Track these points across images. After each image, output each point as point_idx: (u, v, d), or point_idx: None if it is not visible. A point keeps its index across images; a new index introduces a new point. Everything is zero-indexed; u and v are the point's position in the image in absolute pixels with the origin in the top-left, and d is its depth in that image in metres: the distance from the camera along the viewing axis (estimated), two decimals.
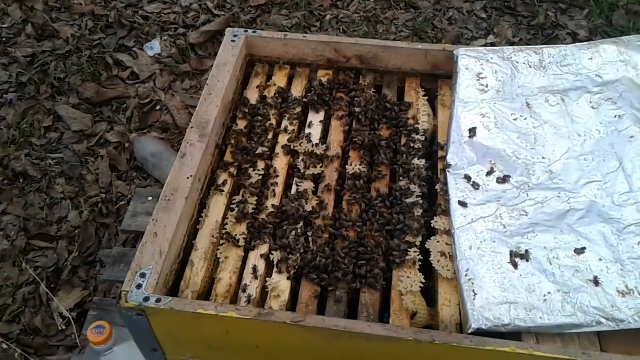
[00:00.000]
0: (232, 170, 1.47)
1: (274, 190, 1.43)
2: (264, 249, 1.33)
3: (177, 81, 2.75)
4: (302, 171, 1.46)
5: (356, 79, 1.68)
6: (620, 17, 2.90)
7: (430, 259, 1.29)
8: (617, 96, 1.47)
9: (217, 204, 1.41)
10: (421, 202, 1.38)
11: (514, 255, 1.25)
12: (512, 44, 2.81)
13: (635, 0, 2.94)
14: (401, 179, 1.43)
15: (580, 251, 1.24)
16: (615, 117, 1.44)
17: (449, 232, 1.32)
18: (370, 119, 1.56)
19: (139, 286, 1.17)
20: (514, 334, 1.15)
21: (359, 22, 2.98)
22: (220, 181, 1.45)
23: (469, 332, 1.15)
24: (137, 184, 2.36)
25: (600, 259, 1.23)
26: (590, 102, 1.48)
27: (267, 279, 1.29)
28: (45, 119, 2.57)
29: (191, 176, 1.36)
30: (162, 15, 3.02)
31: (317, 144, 1.51)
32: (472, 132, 1.45)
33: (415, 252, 1.30)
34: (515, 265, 1.23)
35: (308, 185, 1.44)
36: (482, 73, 1.55)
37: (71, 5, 3.04)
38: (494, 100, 1.50)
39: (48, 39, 2.89)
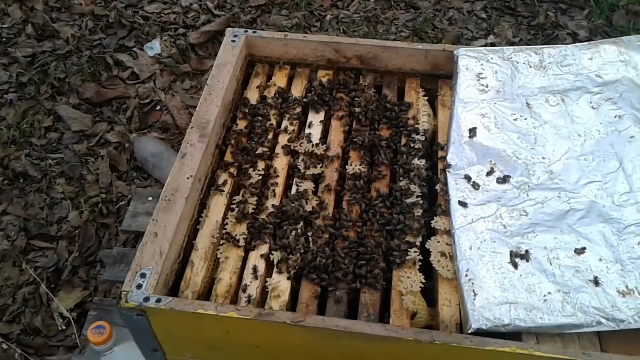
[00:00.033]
0: (232, 170, 1.47)
1: (274, 190, 1.43)
2: (264, 249, 1.33)
3: (177, 81, 2.75)
4: (302, 171, 1.46)
5: (356, 79, 1.68)
6: (620, 17, 2.90)
7: (430, 259, 1.29)
8: (617, 96, 1.47)
9: (217, 204, 1.41)
10: (421, 202, 1.38)
11: (514, 255, 1.25)
12: (512, 44, 2.81)
13: (636, 0, 2.94)
14: (401, 179, 1.43)
15: (580, 251, 1.24)
16: (615, 117, 1.44)
17: (449, 232, 1.32)
18: (370, 119, 1.56)
19: (139, 286, 1.17)
20: (514, 334, 1.15)
21: (359, 22, 2.98)
22: (220, 181, 1.45)
23: (469, 332, 1.15)
24: (137, 184, 2.36)
25: (600, 259, 1.23)
26: (590, 102, 1.48)
27: (267, 279, 1.29)
28: (45, 119, 2.57)
29: (191, 176, 1.36)
30: (162, 15, 3.02)
31: (317, 144, 1.51)
32: (472, 132, 1.45)
33: (415, 252, 1.30)
34: (515, 265, 1.23)
35: (308, 185, 1.44)
36: (482, 73, 1.55)
37: (71, 5, 3.04)
38: (494, 100, 1.50)
39: (48, 39, 2.89)
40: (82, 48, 2.84)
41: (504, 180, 1.37)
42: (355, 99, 1.61)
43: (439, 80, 1.66)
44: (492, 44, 2.82)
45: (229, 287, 1.27)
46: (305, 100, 1.63)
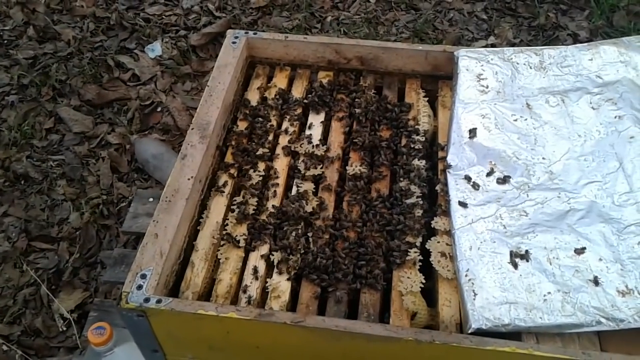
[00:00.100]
0: (232, 171, 1.48)
1: (274, 191, 1.43)
2: (264, 249, 1.33)
3: (178, 83, 2.76)
4: (303, 172, 1.46)
5: (356, 80, 1.68)
6: (620, 17, 2.90)
7: (431, 259, 1.29)
8: (617, 97, 1.47)
9: (218, 205, 1.41)
10: (421, 202, 1.38)
11: (514, 255, 1.25)
12: (513, 45, 2.81)
13: (636, 0, 2.94)
14: (401, 179, 1.43)
15: (580, 251, 1.25)
16: (615, 117, 1.44)
17: (449, 233, 1.32)
18: (371, 120, 1.56)
19: (140, 287, 1.18)
20: (514, 334, 1.15)
21: (359, 24, 2.99)
22: (220, 182, 1.45)
23: (469, 332, 1.15)
24: (138, 186, 2.37)
25: (600, 259, 1.23)
26: (590, 103, 1.48)
27: (268, 280, 1.29)
28: (47, 121, 2.58)
29: (192, 177, 1.36)
30: (163, 17, 3.03)
31: (317, 145, 1.51)
32: (472, 132, 1.45)
33: (415, 252, 1.30)
34: (515, 266, 1.23)
35: (308, 186, 1.44)
36: (482, 74, 1.55)
37: (72, 7, 3.05)
38: (494, 101, 1.51)
39: (49, 41, 2.90)
40: (83, 50, 2.85)
41: (504, 180, 1.37)
42: (356, 100, 1.61)
43: (439, 81, 1.66)
44: (493, 45, 2.82)
45: (229, 287, 1.27)
46: (305, 101, 1.63)
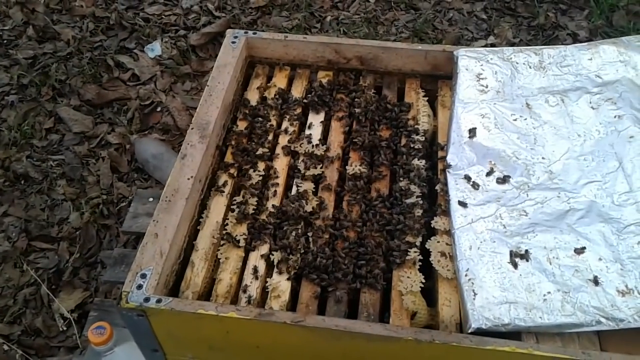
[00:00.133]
0: (232, 171, 1.48)
1: (274, 190, 1.43)
2: (264, 249, 1.34)
3: (178, 82, 2.76)
4: (302, 172, 1.47)
5: (356, 79, 1.68)
6: (620, 17, 2.90)
7: (430, 259, 1.29)
8: (616, 96, 1.47)
9: (218, 205, 1.41)
10: (421, 202, 1.39)
11: (513, 255, 1.25)
12: (513, 44, 2.81)
13: (636, 0, 2.94)
14: (401, 179, 1.43)
15: (580, 251, 1.25)
16: (615, 117, 1.44)
17: (448, 232, 1.32)
18: (370, 119, 1.57)
19: (140, 287, 1.18)
20: (514, 334, 1.15)
21: (359, 23, 2.99)
22: (220, 182, 1.45)
23: (469, 331, 1.15)
24: (138, 185, 2.37)
25: (600, 259, 1.23)
26: (590, 103, 1.48)
27: (268, 279, 1.29)
28: (46, 121, 2.58)
29: (192, 177, 1.36)
30: (163, 17, 3.03)
31: (317, 145, 1.52)
32: (472, 132, 1.45)
33: (415, 252, 1.30)
34: (515, 265, 1.24)
35: (308, 185, 1.44)
36: (481, 74, 1.55)
37: (72, 7, 3.05)
38: (493, 101, 1.51)
39: (49, 41, 2.90)
40: (83, 50, 2.85)
41: (503, 180, 1.37)
42: (355, 99, 1.61)
43: (438, 80, 1.66)
44: (492, 45, 2.82)
45: (229, 287, 1.27)
46: (305, 101, 1.63)
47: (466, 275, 1.22)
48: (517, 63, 1.57)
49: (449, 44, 2.71)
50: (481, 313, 1.16)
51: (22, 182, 2.38)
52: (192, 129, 1.46)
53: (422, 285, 1.26)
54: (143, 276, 1.19)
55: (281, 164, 1.49)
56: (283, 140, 1.54)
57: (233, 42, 1.66)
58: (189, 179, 1.36)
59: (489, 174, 1.39)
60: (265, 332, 1.16)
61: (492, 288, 1.20)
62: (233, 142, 1.53)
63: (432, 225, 1.35)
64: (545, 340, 1.15)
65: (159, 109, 2.65)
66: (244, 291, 1.27)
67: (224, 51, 1.65)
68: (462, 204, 1.34)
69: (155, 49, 2.86)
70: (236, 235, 1.35)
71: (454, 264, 1.27)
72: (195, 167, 1.38)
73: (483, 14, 3.04)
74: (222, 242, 1.36)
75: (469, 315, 1.16)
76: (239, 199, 1.42)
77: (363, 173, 1.45)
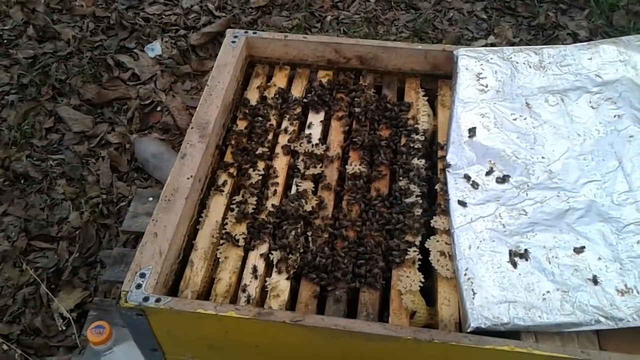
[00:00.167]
0: (232, 170, 1.48)
1: (274, 190, 1.43)
2: (263, 248, 1.33)
3: (178, 82, 2.76)
4: (302, 171, 1.46)
5: (356, 79, 1.68)
6: (620, 17, 2.90)
7: (430, 258, 1.29)
8: (616, 96, 1.47)
9: (217, 204, 1.41)
10: (421, 201, 1.38)
11: (513, 254, 1.25)
12: (513, 44, 2.81)
13: (636, 0, 2.94)
14: (401, 178, 1.43)
15: (579, 250, 1.25)
16: (615, 116, 1.44)
17: (448, 232, 1.32)
18: (370, 119, 1.56)
19: (139, 286, 1.18)
20: (513, 333, 1.15)
21: (359, 23, 2.99)
22: (220, 181, 1.45)
23: (468, 331, 1.15)
24: (138, 185, 2.37)
25: (599, 258, 1.23)
26: (590, 102, 1.48)
27: (267, 279, 1.29)
28: (46, 120, 2.58)
29: (191, 176, 1.36)
30: (163, 16, 3.03)
31: (317, 144, 1.52)
32: (472, 132, 1.45)
33: (414, 251, 1.30)
34: (515, 265, 1.23)
35: (308, 185, 1.44)
36: (481, 73, 1.55)
37: (72, 7, 3.05)
38: (493, 100, 1.51)
39: (49, 41, 2.90)
40: (83, 49, 2.85)
41: (503, 179, 1.37)
42: (355, 99, 1.61)
43: (438, 80, 1.66)
44: (493, 45, 2.82)
45: (228, 286, 1.27)
46: (305, 100, 1.63)
47: (465, 275, 1.22)
48: (517, 62, 1.57)
49: (449, 43, 2.71)
50: (480, 312, 1.16)
51: (22, 181, 2.38)
52: (191, 128, 1.46)
53: (422, 285, 1.26)
54: (142, 275, 1.19)
55: (281, 163, 1.49)
56: (283, 139, 1.54)
57: (233, 42, 1.66)
58: (188, 178, 1.36)
59: (488, 173, 1.39)
60: (264, 331, 1.16)
61: (492, 287, 1.20)
62: (233, 142, 1.53)
63: (431, 225, 1.35)
64: (545, 339, 1.15)
65: (159, 108, 2.65)
66: (243, 290, 1.27)
67: (224, 51, 1.65)
68: (462, 204, 1.34)
69: (156, 48, 2.86)
70: (235, 235, 1.35)
71: (453, 263, 1.27)
72: (194, 166, 1.38)
73: (483, 14, 3.04)
74: (221, 241, 1.36)
75: (468, 314, 1.16)
76: (238, 198, 1.42)
77: (363, 172, 1.45)
